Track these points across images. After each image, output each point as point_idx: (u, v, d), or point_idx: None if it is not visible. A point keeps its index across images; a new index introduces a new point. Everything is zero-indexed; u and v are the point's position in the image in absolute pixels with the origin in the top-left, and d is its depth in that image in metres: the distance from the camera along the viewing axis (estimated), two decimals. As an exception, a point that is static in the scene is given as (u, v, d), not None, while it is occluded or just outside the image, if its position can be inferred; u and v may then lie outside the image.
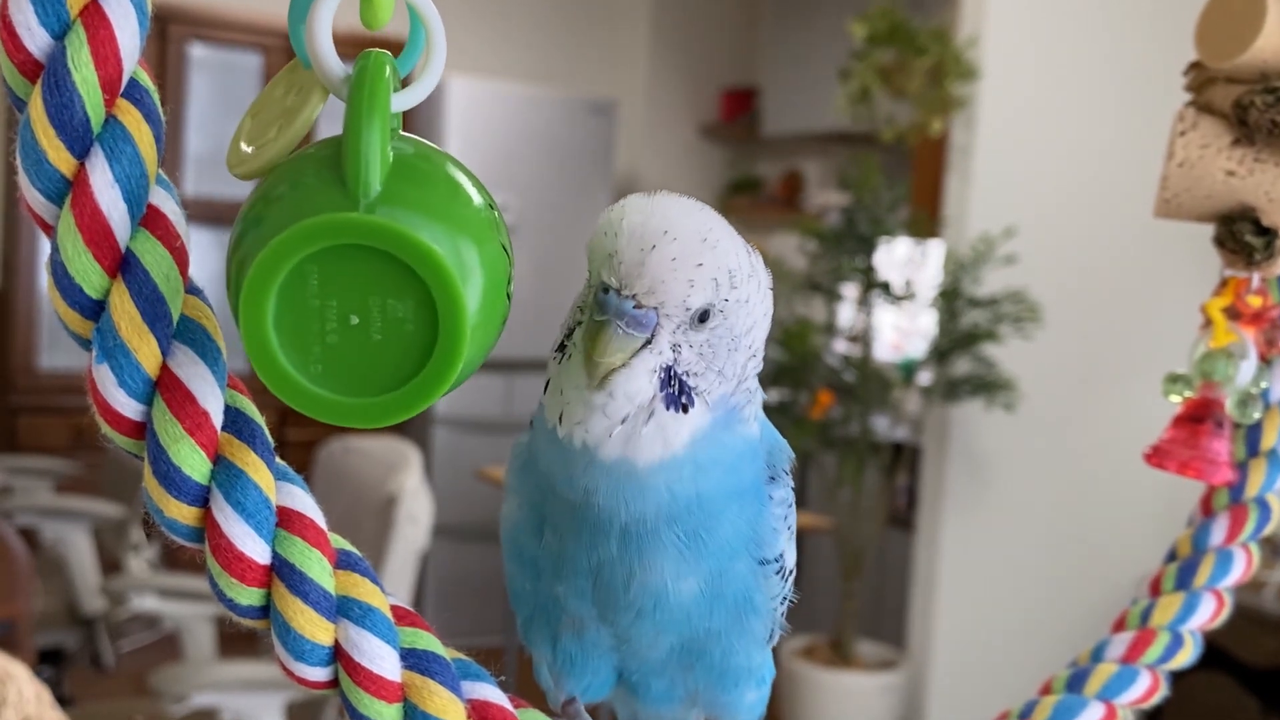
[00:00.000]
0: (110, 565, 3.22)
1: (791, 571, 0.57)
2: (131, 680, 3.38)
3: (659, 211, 0.49)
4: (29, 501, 3.33)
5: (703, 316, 0.49)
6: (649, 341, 0.48)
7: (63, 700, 2.22)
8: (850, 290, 3.58)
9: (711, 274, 0.49)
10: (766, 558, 0.54)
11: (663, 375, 0.49)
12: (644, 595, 0.52)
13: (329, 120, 0.46)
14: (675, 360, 0.49)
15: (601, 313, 0.48)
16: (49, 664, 3.06)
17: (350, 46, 0.43)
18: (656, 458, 0.49)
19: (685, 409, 0.49)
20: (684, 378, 0.49)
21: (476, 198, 0.45)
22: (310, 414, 0.41)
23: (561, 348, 0.51)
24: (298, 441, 3.89)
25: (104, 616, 3.09)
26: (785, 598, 0.57)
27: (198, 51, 4.36)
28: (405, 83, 0.46)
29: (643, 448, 0.49)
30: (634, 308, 0.48)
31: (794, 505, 0.56)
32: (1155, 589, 0.75)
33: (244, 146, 0.47)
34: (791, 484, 0.56)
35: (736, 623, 0.54)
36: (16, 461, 3.70)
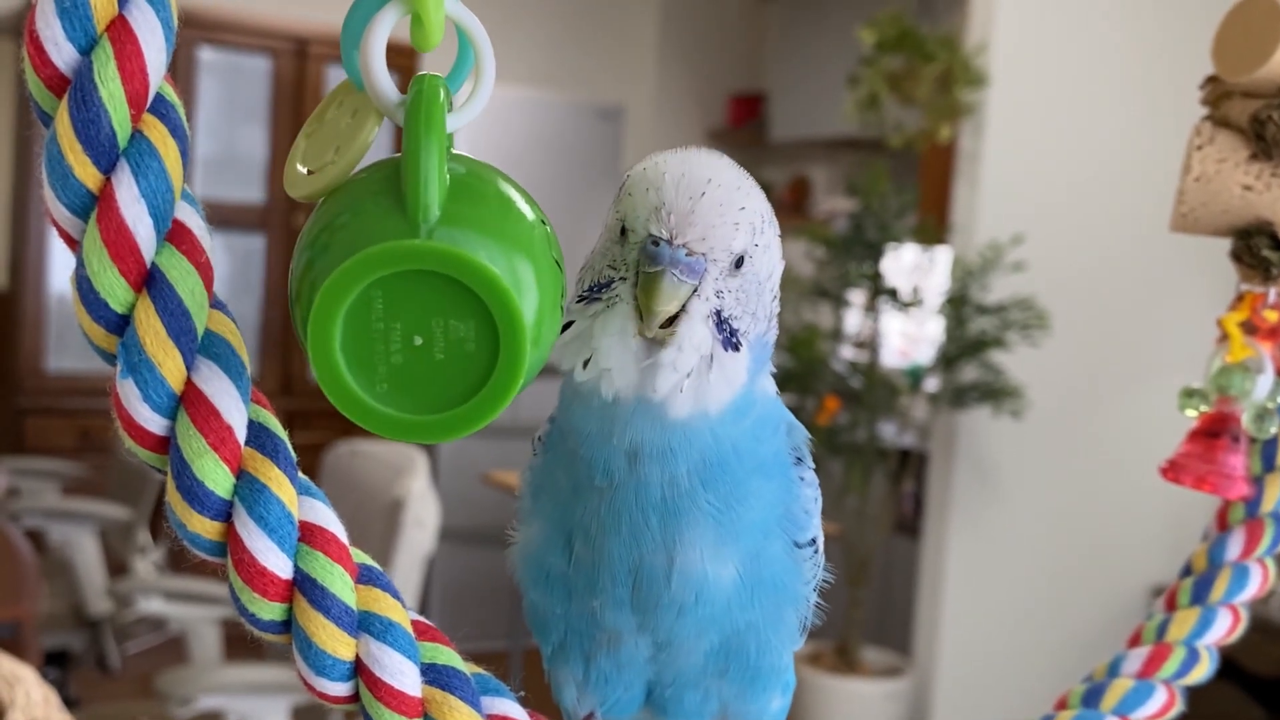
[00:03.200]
0: (116, 567, 3.22)
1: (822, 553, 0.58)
2: (137, 682, 3.39)
3: (699, 162, 0.51)
4: (36, 503, 3.33)
5: (739, 262, 0.51)
6: (695, 289, 0.50)
7: (68, 702, 2.23)
8: (857, 296, 3.58)
9: (750, 219, 0.51)
10: (800, 541, 0.55)
11: (714, 320, 0.51)
12: (685, 586, 0.52)
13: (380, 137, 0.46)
14: (721, 305, 0.51)
15: (654, 264, 0.49)
16: (55, 666, 3.06)
17: (392, 54, 0.43)
18: (725, 400, 0.51)
19: (737, 348, 0.51)
20: (730, 321, 0.51)
21: (529, 213, 0.46)
22: (377, 431, 0.42)
23: (588, 297, 0.51)
24: (304, 444, 3.87)
25: (110, 618, 3.10)
26: (818, 582, 0.58)
27: (207, 55, 4.36)
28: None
29: (711, 394, 0.50)
30: (685, 255, 0.49)
31: (819, 488, 0.57)
32: (1171, 604, 0.75)
33: (301, 168, 0.47)
34: (813, 467, 0.57)
35: (774, 613, 0.55)
36: (23, 463, 3.70)
